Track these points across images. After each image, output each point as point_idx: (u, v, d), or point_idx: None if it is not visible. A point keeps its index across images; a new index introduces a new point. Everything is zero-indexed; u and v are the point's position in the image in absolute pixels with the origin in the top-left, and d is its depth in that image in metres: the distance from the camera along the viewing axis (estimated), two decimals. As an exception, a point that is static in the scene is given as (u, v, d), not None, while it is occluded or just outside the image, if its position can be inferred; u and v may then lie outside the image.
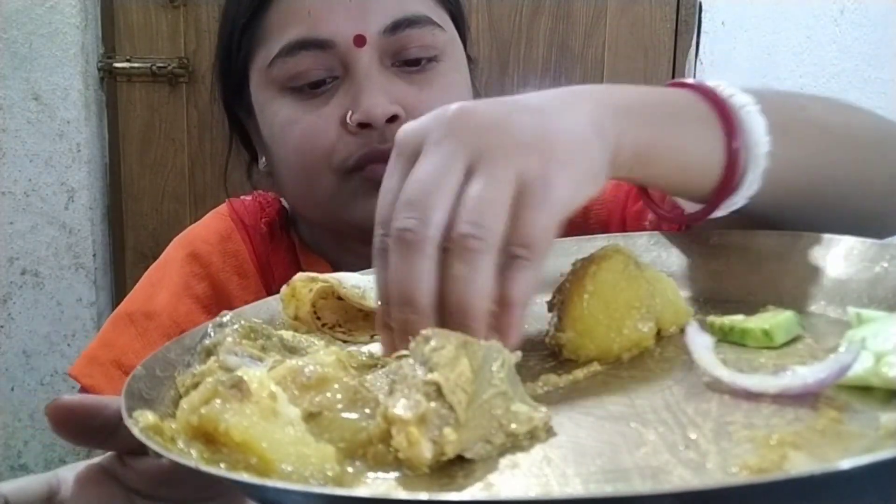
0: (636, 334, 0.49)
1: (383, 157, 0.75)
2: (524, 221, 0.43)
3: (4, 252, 2.14)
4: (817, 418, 0.38)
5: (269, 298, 0.60)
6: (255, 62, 0.81)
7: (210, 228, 0.89)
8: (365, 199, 0.77)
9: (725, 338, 0.49)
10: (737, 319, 0.49)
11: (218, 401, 0.36)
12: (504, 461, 0.38)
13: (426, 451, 0.35)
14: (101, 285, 2.17)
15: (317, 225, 0.87)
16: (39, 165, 2.12)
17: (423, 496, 0.30)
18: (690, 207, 0.59)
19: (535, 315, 0.52)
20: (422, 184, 0.44)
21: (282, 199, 0.92)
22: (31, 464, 2.21)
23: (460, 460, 0.37)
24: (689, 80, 0.57)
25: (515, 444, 0.38)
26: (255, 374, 0.39)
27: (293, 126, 0.78)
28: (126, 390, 0.42)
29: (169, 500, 0.46)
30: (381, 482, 0.36)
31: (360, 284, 0.56)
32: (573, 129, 0.46)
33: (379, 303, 0.46)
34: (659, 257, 0.61)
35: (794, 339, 0.48)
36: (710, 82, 0.56)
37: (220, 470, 0.35)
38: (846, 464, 0.28)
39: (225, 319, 0.51)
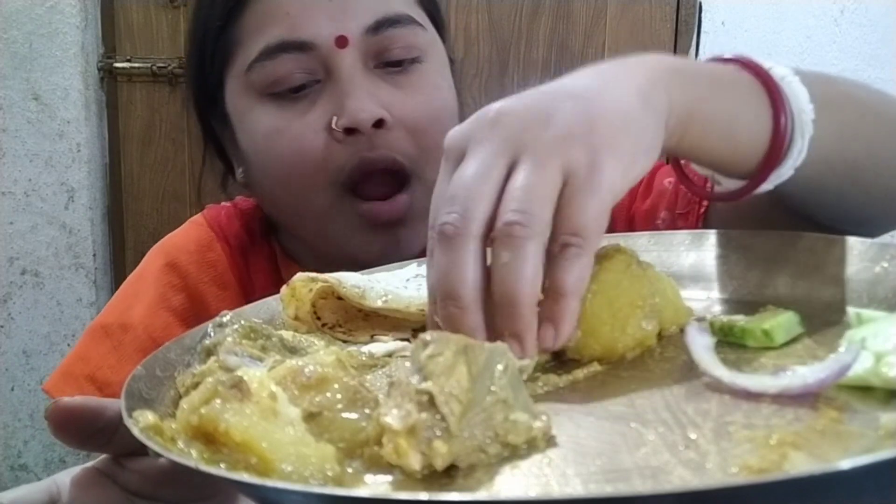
0: (640, 333, 0.48)
1: (374, 168, 0.75)
2: (573, 209, 0.42)
3: (4, 252, 2.14)
4: (817, 418, 0.38)
5: (269, 298, 0.60)
6: (231, 68, 0.78)
7: (189, 237, 0.87)
8: (362, 234, 0.76)
9: (725, 338, 0.49)
10: (737, 319, 0.49)
11: (218, 401, 0.36)
12: (504, 461, 0.37)
13: (415, 463, 0.35)
14: (101, 285, 2.17)
15: (300, 237, 0.85)
16: (39, 165, 2.12)
17: (423, 496, 0.30)
18: (733, 185, 0.56)
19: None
20: (464, 180, 0.43)
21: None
22: (31, 464, 2.21)
23: (460, 460, 0.37)
24: (728, 54, 0.55)
25: (513, 453, 0.38)
26: (255, 374, 0.39)
27: (278, 135, 0.76)
28: (126, 390, 0.42)
29: (168, 500, 0.46)
30: (381, 482, 0.36)
31: (360, 284, 0.56)
32: (618, 107, 0.45)
33: (428, 302, 0.45)
34: (659, 257, 0.61)
35: (794, 339, 0.48)
36: (748, 56, 0.55)
37: (220, 470, 0.35)
38: (846, 464, 0.28)
39: (225, 319, 0.51)
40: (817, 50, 1.90)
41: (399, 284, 0.58)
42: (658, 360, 0.48)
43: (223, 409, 0.36)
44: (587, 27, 2.06)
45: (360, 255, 0.76)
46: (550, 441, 0.39)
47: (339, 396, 0.39)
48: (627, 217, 0.80)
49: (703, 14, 1.98)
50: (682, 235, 0.63)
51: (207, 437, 0.36)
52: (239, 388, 0.37)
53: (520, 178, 0.42)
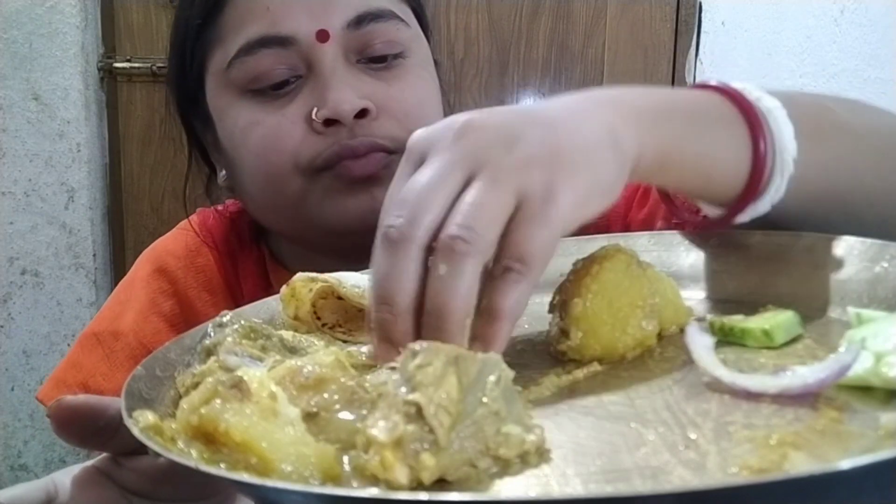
0: (640, 333, 0.48)
1: (354, 153, 0.72)
2: (521, 235, 0.42)
3: (4, 252, 2.14)
4: (817, 418, 0.38)
5: (269, 298, 0.60)
6: (211, 65, 0.77)
7: (178, 242, 0.86)
8: (337, 198, 0.74)
9: (725, 338, 0.49)
10: (737, 319, 0.49)
11: (218, 401, 0.36)
12: (494, 476, 0.37)
13: (401, 477, 0.33)
14: (101, 285, 2.17)
15: (285, 236, 0.84)
16: (39, 165, 2.12)
17: (423, 496, 0.30)
18: (713, 212, 0.57)
19: (535, 315, 0.52)
20: (417, 186, 0.43)
21: None
22: (31, 464, 2.21)
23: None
24: (714, 82, 0.55)
25: (504, 468, 0.37)
26: (255, 374, 0.39)
27: (254, 128, 0.74)
28: (126, 390, 0.42)
29: (167, 499, 0.46)
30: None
31: (360, 284, 0.56)
32: (585, 143, 0.45)
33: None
34: (659, 257, 0.61)
35: (794, 339, 0.48)
36: (737, 84, 0.54)
37: (220, 470, 0.35)
38: (846, 464, 0.28)
39: (225, 319, 0.51)
40: (817, 50, 1.90)
41: (399, 284, 0.58)
42: (658, 360, 0.48)
43: (223, 409, 0.36)
44: (587, 27, 2.06)
45: (336, 222, 0.74)
46: (543, 455, 0.38)
47: (336, 397, 0.39)
48: (624, 225, 0.79)
49: (703, 14, 1.99)
50: (682, 235, 0.63)
51: (207, 437, 0.36)
52: (239, 388, 0.37)
53: (472, 193, 0.42)
